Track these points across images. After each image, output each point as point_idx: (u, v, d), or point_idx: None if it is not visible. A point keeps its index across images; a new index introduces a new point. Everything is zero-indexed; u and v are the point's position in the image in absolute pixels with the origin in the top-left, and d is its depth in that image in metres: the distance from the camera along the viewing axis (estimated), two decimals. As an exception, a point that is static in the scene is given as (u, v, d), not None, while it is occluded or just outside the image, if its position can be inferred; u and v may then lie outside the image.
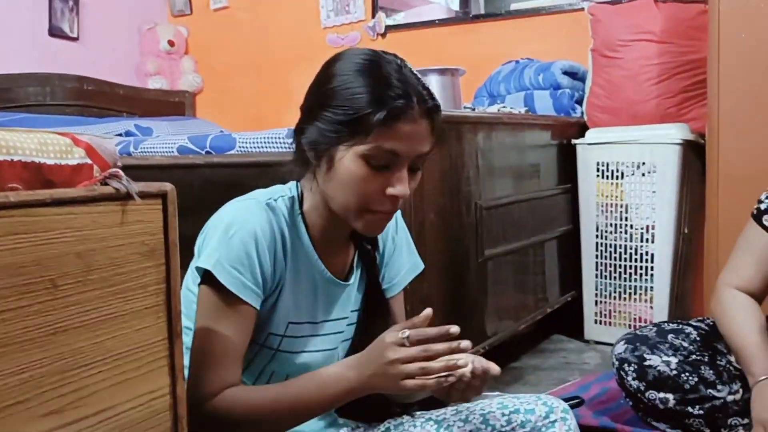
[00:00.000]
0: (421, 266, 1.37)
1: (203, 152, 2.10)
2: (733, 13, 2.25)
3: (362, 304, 1.30)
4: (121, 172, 0.83)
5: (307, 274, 1.19)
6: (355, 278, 1.27)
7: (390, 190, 1.08)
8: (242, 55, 4.31)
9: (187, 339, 1.19)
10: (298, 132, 1.15)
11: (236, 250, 1.08)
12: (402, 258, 1.34)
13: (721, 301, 1.68)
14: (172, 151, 2.16)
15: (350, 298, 1.27)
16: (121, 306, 0.82)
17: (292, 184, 1.21)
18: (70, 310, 0.77)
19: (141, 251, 0.85)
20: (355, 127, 1.06)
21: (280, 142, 1.94)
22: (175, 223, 0.89)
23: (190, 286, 1.18)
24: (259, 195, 1.17)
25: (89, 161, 0.81)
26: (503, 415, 1.29)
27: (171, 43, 4.28)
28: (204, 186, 2.03)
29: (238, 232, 1.09)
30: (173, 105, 4.24)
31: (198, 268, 1.10)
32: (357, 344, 1.31)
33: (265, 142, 1.96)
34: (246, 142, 2.00)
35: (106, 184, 0.81)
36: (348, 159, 1.07)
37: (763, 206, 1.68)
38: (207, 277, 1.10)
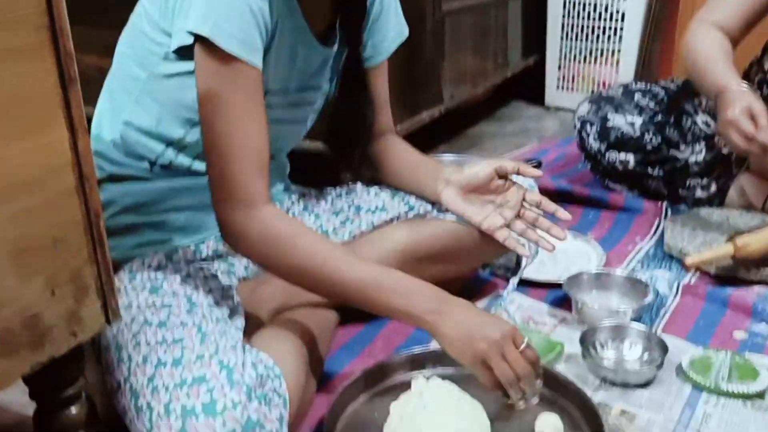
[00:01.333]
0: (406, 32, 1.24)
1: None
2: None
3: (340, 75, 1.19)
4: None
5: (291, 35, 1.05)
6: (336, 45, 1.15)
7: None
8: None
9: (135, 87, 1.05)
10: None
11: (234, 7, 0.91)
12: (389, 22, 1.20)
13: (693, 33, 1.57)
14: None
15: (327, 66, 1.16)
16: (-13, 41, 0.66)
17: None
18: None
19: (7, -28, 0.66)
20: None
21: None
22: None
23: (146, 30, 1.01)
24: None
25: None
26: None
27: None
28: None
29: None
30: None
31: (190, 33, 0.92)
32: (328, 117, 1.23)
33: None
34: None
35: None
36: None
37: None
38: (202, 43, 0.92)
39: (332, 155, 1.26)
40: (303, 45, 1.08)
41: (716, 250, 1.38)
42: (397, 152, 1.28)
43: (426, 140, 2.22)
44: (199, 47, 0.93)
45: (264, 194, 0.97)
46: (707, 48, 1.51)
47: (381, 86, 1.25)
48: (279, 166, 1.27)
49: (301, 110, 1.17)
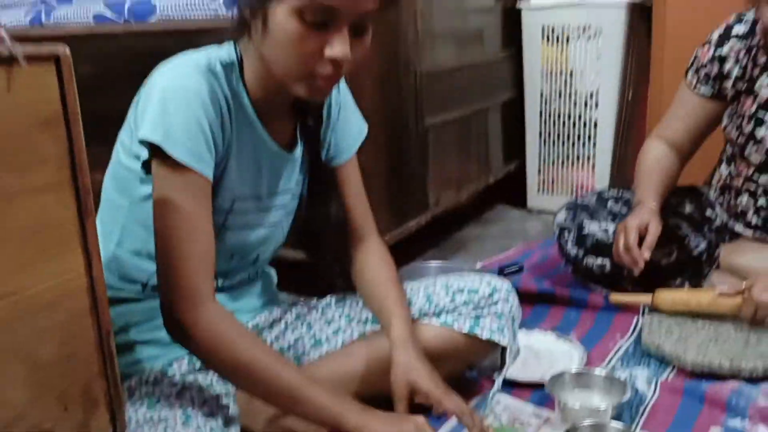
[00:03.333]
0: (365, 129, 1.30)
1: (121, 20, 1.94)
2: None
3: (307, 176, 1.25)
4: (3, 33, 0.73)
5: (252, 145, 1.12)
6: (299, 149, 1.21)
7: (328, 51, 0.97)
8: None
9: (120, 214, 1.13)
10: None
11: (184, 119, 0.99)
12: (349, 121, 1.27)
13: (644, 148, 1.77)
14: (88, 20, 2.00)
15: (294, 169, 1.22)
16: (16, 181, 0.75)
17: (228, 46, 1.10)
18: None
19: (35, 121, 0.76)
20: None
21: (205, 7, 1.80)
22: (73, 89, 0.79)
23: (123, 159, 1.10)
24: (195, 57, 1.06)
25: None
26: (447, 294, 1.29)
27: None
28: (124, 56, 1.90)
29: (184, 98, 0.99)
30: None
31: (143, 142, 1.00)
32: (302, 217, 1.28)
33: (188, 8, 1.82)
34: (167, 8, 1.86)
35: (-14, 47, 0.71)
36: (281, 15, 0.96)
37: (692, 64, 1.72)
38: (157, 152, 1.00)
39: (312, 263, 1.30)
40: (266, 153, 1.14)
41: (637, 296, 1.60)
42: (371, 271, 1.28)
43: (414, 245, 2.31)
44: (155, 157, 1.00)
45: (209, 294, 1.01)
46: (648, 163, 1.69)
47: (352, 184, 1.28)
48: (265, 276, 1.33)
49: (274, 214, 1.21)
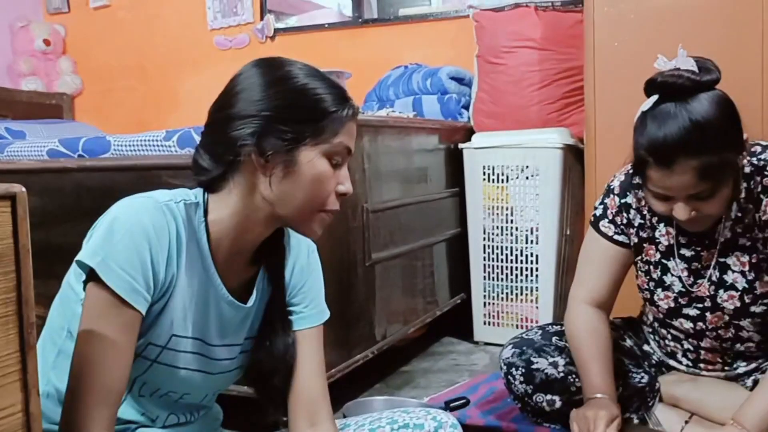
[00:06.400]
0: (326, 317, 1.28)
1: (75, 156, 1.98)
2: (607, 23, 2.35)
3: (262, 317, 1.23)
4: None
5: (201, 287, 1.12)
6: (254, 301, 1.20)
7: (341, 188, 1.11)
8: (125, 57, 4.15)
9: (59, 339, 1.12)
10: (252, 136, 1.06)
11: (126, 249, 1.01)
12: (314, 290, 1.27)
13: (570, 315, 1.73)
14: (42, 155, 2.04)
15: (246, 323, 1.21)
16: (-39, 317, 0.75)
17: (197, 190, 1.13)
18: None
19: (-15, 257, 0.77)
20: (321, 125, 1.07)
21: (158, 145, 1.86)
22: (25, 227, 0.81)
23: (72, 283, 1.10)
24: (158, 194, 1.10)
25: None
26: (392, 430, 1.28)
27: (47, 42, 4.07)
28: (77, 191, 1.92)
29: (129, 230, 1.01)
30: (49, 108, 4.02)
31: (81, 264, 1.02)
32: (249, 374, 1.25)
33: (141, 145, 1.88)
34: (121, 145, 1.91)
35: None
36: (312, 157, 1.07)
37: (598, 212, 1.72)
38: (93, 277, 1.01)
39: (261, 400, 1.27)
40: (216, 298, 1.14)
41: None
42: None
43: (361, 379, 2.30)
44: (90, 281, 1.01)
45: (102, 424, 1.00)
46: (583, 342, 1.66)
47: (308, 355, 1.24)
48: (209, 415, 1.31)
49: (217, 365, 1.19)
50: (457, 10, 3.40)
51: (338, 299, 2.03)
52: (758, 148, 1.56)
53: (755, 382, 1.60)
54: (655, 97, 1.45)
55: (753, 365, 1.64)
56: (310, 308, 1.25)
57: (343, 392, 2.00)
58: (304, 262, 1.26)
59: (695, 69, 1.42)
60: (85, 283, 1.03)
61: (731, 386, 1.67)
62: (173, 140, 1.85)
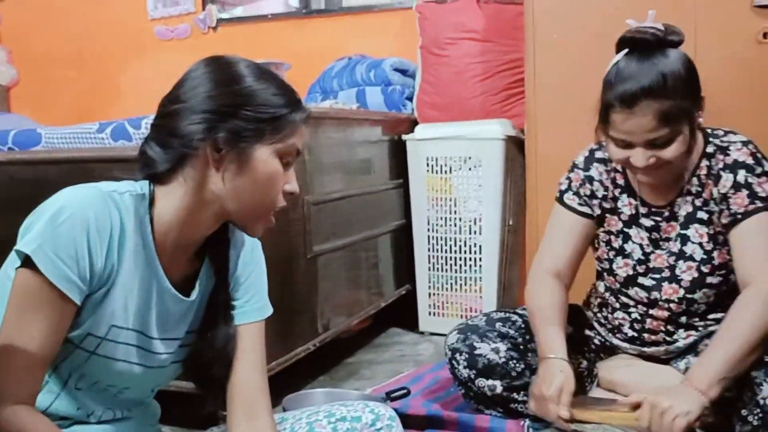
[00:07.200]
0: (268, 313, 1.28)
1: (5, 148, 1.93)
2: (546, 15, 2.38)
3: (201, 323, 1.21)
4: None
5: (144, 279, 1.11)
6: (196, 295, 1.19)
7: (288, 187, 1.12)
8: (64, 46, 4.04)
9: None
10: (209, 131, 1.06)
11: (64, 238, 1.00)
12: (256, 286, 1.26)
13: (531, 284, 1.80)
14: (-30, 148, 1.97)
15: (188, 316, 1.20)
16: None
17: (143, 182, 1.12)
18: None
19: None
20: (277, 125, 1.09)
21: (91, 138, 1.82)
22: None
23: (10, 272, 1.06)
24: (102, 185, 1.09)
25: None
26: (329, 423, 1.29)
27: (-21, 31, 3.94)
28: (9, 184, 1.87)
29: (70, 219, 1.01)
30: (-18, 99, 3.90)
31: (19, 252, 1.01)
32: (189, 365, 1.24)
33: (74, 138, 1.83)
34: (53, 138, 1.86)
35: None
36: (264, 156, 1.08)
37: (563, 187, 1.81)
38: (27, 263, 1.00)
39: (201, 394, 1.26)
40: (159, 291, 1.14)
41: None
42: None
43: (304, 372, 2.29)
44: (26, 266, 1.01)
45: (14, 397, 1.00)
46: (540, 307, 1.72)
47: (249, 351, 1.23)
48: (147, 411, 1.29)
49: (157, 358, 1.18)
50: (401, 1, 3.40)
51: (279, 292, 2.02)
52: (721, 132, 1.68)
53: (687, 367, 1.66)
54: (625, 51, 1.56)
55: (692, 339, 1.70)
56: (252, 303, 1.25)
57: (286, 385, 2.00)
58: (248, 256, 1.26)
59: (661, 28, 1.55)
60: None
61: (666, 369, 1.73)
62: (106, 132, 1.82)
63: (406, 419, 1.82)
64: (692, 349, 1.70)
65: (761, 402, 1.44)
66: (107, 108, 3.79)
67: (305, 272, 2.17)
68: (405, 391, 1.88)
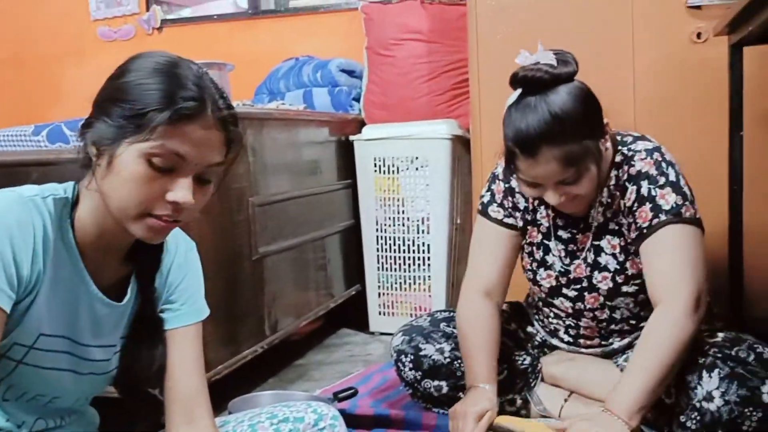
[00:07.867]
0: (204, 315, 1.26)
1: (-63, 152, 1.87)
2: (489, 16, 2.40)
3: (127, 339, 1.19)
4: None
5: (71, 285, 1.08)
6: (129, 300, 1.17)
7: (170, 195, 1.01)
8: (1, 47, 3.93)
9: None
10: (84, 127, 1.05)
11: None
12: (191, 289, 1.24)
13: (461, 306, 1.75)
14: None
15: (122, 322, 1.17)
16: None
17: (68, 184, 1.10)
18: None
19: None
20: (141, 123, 0.99)
21: (26, 140, 1.77)
22: None
23: None
24: (24, 189, 1.05)
25: None
26: (272, 424, 1.28)
27: None
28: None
29: None
30: None
31: None
32: (119, 376, 1.21)
33: (8, 141, 1.79)
34: (-15, 141, 1.81)
35: None
36: (129, 156, 1.00)
37: (485, 199, 1.77)
38: None
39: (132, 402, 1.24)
40: (86, 296, 1.11)
41: None
42: None
43: (251, 375, 2.27)
44: None
45: None
46: (468, 335, 1.69)
47: (186, 353, 1.21)
48: (83, 419, 1.26)
49: (91, 365, 1.16)
50: (348, 2, 3.40)
51: (223, 294, 2.01)
52: (629, 139, 1.64)
53: (626, 360, 1.69)
54: (519, 91, 1.52)
55: (626, 341, 1.72)
56: (186, 306, 1.23)
57: (234, 388, 1.98)
58: (181, 260, 1.24)
59: (554, 62, 1.49)
60: None
61: (606, 364, 1.75)
62: (42, 135, 1.78)
63: (354, 419, 1.83)
64: (630, 346, 1.71)
65: (698, 405, 1.45)
66: (47, 111, 3.69)
67: (251, 274, 2.15)
68: (353, 391, 1.88)
